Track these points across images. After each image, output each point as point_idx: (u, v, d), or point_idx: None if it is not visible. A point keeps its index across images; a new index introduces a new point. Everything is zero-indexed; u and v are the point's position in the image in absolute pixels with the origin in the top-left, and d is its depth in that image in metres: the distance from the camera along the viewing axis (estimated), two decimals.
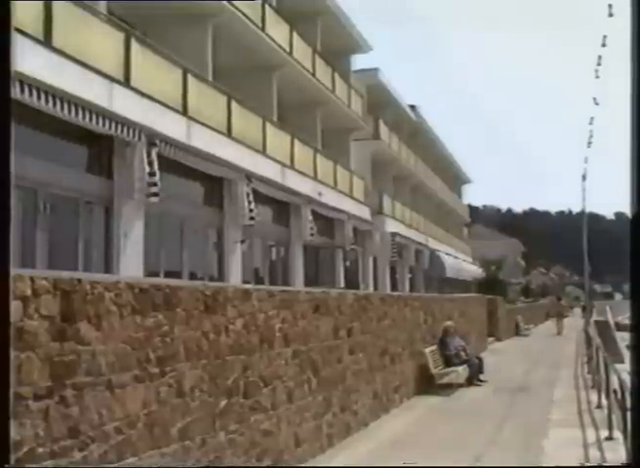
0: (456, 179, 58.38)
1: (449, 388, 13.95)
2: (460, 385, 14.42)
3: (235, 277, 17.52)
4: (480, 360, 16.03)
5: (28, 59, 10.39)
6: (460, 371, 14.66)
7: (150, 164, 13.39)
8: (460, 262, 48.96)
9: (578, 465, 7.83)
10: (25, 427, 3.96)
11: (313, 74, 23.96)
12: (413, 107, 40.89)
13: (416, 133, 41.68)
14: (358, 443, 9.23)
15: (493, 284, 43.34)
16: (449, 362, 14.98)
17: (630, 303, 3.17)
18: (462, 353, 15.52)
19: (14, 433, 3.86)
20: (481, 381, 15.20)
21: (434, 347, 14.88)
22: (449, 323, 16.08)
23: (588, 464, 7.90)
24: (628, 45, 2.87)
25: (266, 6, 20.26)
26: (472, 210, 73.07)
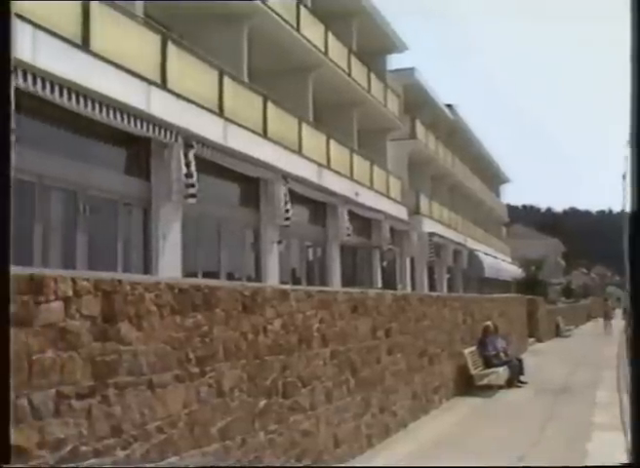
0: (494, 179, 57.80)
1: (489, 389, 13.78)
2: (501, 387, 14.24)
3: (272, 277, 17.56)
4: (520, 361, 15.81)
5: (67, 63, 10.54)
6: (501, 373, 14.48)
7: (187, 165, 13.49)
8: (500, 262, 48.45)
9: (578, 465, 7.69)
10: (69, 426, 3.99)
11: (349, 74, 23.91)
12: (450, 106, 40.58)
13: (453, 132, 41.36)
14: (397, 444, 9.15)
15: (533, 284, 42.78)
16: (489, 363, 14.80)
17: (630, 303, 3.13)
18: (503, 354, 15.33)
19: (57, 431, 3.90)
20: (522, 383, 14.99)
21: (474, 348, 14.72)
22: (488, 323, 15.90)
23: (589, 464, 7.74)
24: None
25: (301, 7, 20.29)
26: (511, 209, 72.29)
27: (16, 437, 3.63)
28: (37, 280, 3.89)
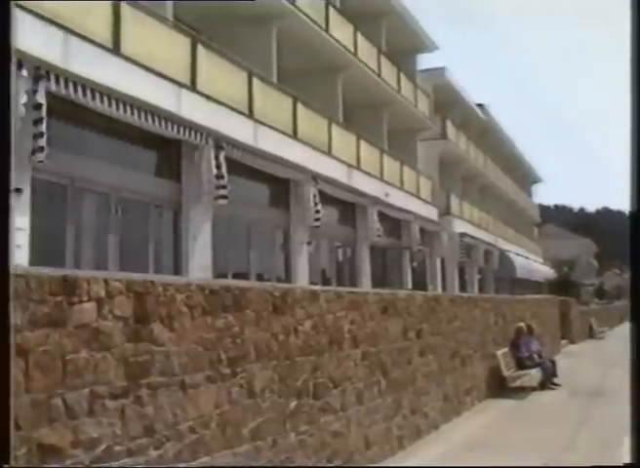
0: (526, 178, 57.25)
1: (522, 391, 13.64)
2: (534, 389, 14.08)
3: (302, 278, 17.57)
4: (553, 363, 15.63)
5: (98, 67, 10.66)
6: (534, 374, 14.33)
7: (218, 167, 13.56)
8: (531, 263, 47.96)
9: (579, 466, 7.58)
10: (102, 425, 4.03)
11: (379, 75, 23.86)
12: (481, 106, 40.27)
13: (484, 132, 41.04)
14: (429, 445, 9.09)
15: (565, 285, 42.29)
16: (522, 364, 14.65)
17: (630, 303, 3.11)
18: (536, 355, 15.17)
19: (91, 431, 3.93)
20: (555, 385, 14.81)
21: (506, 349, 14.58)
22: (521, 324, 15.74)
23: (589, 464, 7.62)
24: None
25: (330, 7, 20.29)
26: (543, 209, 71.51)
27: (50, 436, 3.68)
28: (70, 281, 3.93)
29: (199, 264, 13.42)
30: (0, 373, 2.42)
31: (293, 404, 6.30)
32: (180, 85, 12.81)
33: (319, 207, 17.65)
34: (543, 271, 49.04)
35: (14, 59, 8.64)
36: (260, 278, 16.15)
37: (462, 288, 33.15)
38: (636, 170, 2.89)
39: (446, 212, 30.47)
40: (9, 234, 2.39)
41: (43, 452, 3.62)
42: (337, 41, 20.33)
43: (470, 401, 12.10)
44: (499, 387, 13.50)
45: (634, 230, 2.96)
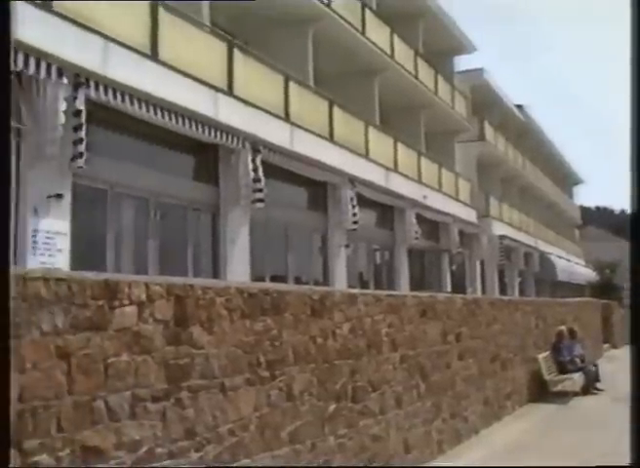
0: (566, 180, 56.41)
1: (564, 396, 13.42)
2: (576, 393, 13.84)
3: (340, 281, 17.55)
4: (596, 367, 15.35)
5: (137, 73, 10.79)
6: (576, 379, 14.09)
7: (255, 170, 13.62)
8: (573, 265, 47.23)
9: (581, 466, 7.43)
10: (144, 428, 4.06)
11: (416, 77, 23.74)
12: (520, 107, 39.81)
13: (523, 133, 40.57)
14: (469, 450, 9.00)
15: (607, 288, 41.56)
16: (563, 369, 14.42)
17: (630, 302, 3.07)
18: (578, 360, 14.92)
19: (133, 433, 3.97)
20: (597, 390, 14.54)
21: (547, 353, 14.37)
22: (563, 328, 15.51)
23: (590, 465, 7.45)
24: None
25: (366, 9, 20.25)
26: (584, 211, 70.38)
27: (93, 438, 3.72)
28: (111, 285, 3.98)
29: (237, 267, 13.48)
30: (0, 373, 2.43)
31: (331, 407, 6.29)
32: (217, 89, 12.90)
33: (356, 210, 17.61)
34: (585, 274, 48.25)
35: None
36: (297, 281, 16.16)
37: (502, 291, 32.77)
38: (636, 170, 2.88)
39: (485, 214, 30.16)
40: (9, 235, 2.42)
41: (86, 454, 3.66)
42: (373, 43, 20.28)
43: (511, 405, 11.95)
44: (540, 392, 13.32)
45: (634, 230, 2.95)
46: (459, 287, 25.91)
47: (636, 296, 3.00)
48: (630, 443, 2.93)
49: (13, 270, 3.68)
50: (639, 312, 3.00)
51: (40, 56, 9.10)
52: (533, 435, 10.23)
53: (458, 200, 26.72)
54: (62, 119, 9.45)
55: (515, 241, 33.55)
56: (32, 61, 9.02)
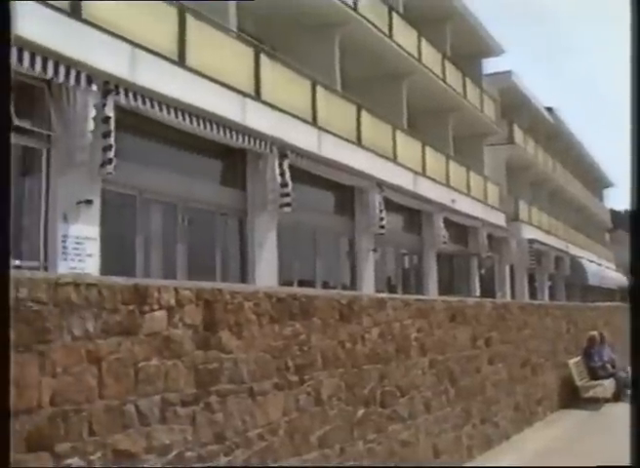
0: (597, 183, 55.75)
1: (595, 402, 13.22)
2: (607, 400, 13.62)
3: (368, 285, 17.51)
4: (627, 373, 15.10)
5: (165, 79, 10.87)
6: (607, 385, 13.87)
7: (282, 175, 13.65)
8: (604, 269, 46.64)
9: (579, 466, 7.29)
10: (174, 432, 4.07)
11: (444, 80, 23.65)
12: (550, 109, 39.42)
13: (553, 135, 40.17)
14: (500, 456, 8.89)
15: None
16: (594, 374, 14.21)
17: (630, 302, 3.04)
18: (609, 365, 14.69)
19: (163, 437, 3.98)
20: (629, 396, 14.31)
21: (578, 358, 14.18)
22: (594, 333, 15.29)
23: (589, 465, 7.31)
24: None
25: (393, 13, 20.23)
26: (615, 214, 69.39)
27: (124, 441, 3.74)
28: (141, 290, 4.00)
29: (265, 272, 13.51)
30: None
31: (360, 412, 6.26)
32: (245, 94, 12.95)
33: (384, 214, 17.57)
34: (616, 278, 47.59)
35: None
36: (325, 285, 16.15)
37: (532, 295, 32.45)
38: (636, 170, 2.86)
39: (514, 218, 29.91)
40: (9, 237, 2.42)
41: (117, 457, 3.68)
42: (400, 47, 20.24)
43: (542, 411, 11.81)
44: (571, 397, 13.14)
45: (635, 230, 2.93)
46: (488, 291, 25.70)
47: (636, 296, 2.98)
48: (630, 443, 2.91)
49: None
50: (639, 312, 2.97)
51: (70, 63, 9.22)
52: (565, 441, 10.09)
53: (486, 204, 26.53)
54: (92, 126, 9.56)
55: (545, 245, 33.21)
56: (62, 69, 9.13)
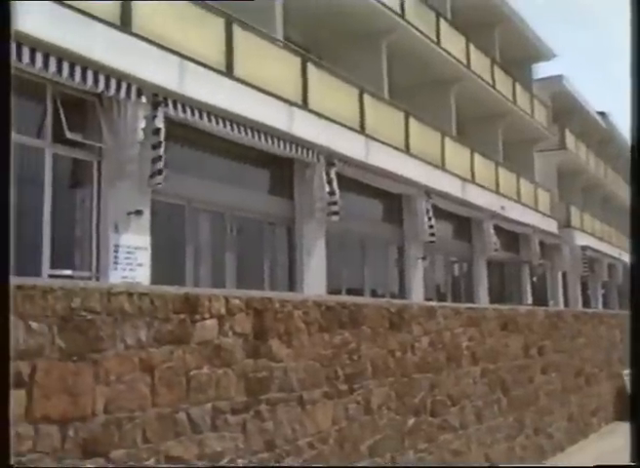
0: None
1: None
2: None
3: (417, 294, 17.37)
4: None
5: (213, 90, 10.98)
6: None
7: (330, 183, 13.65)
8: None
9: (580, 466, 7.01)
10: (225, 439, 4.09)
11: (493, 86, 23.39)
12: (602, 114, 38.64)
13: (605, 140, 39.37)
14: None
15: None
16: None
17: (630, 301, 2.97)
18: None
19: (215, 444, 4.01)
20: None
21: None
22: None
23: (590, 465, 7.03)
24: None
25: (441, 19, 20.11)
26: None
27: (176, 448, 3.77)
28: (192, 299, 4.04)
29: (313, 280, 13.52)
30: None
31: (410, 421, 6.21)
32: (292, 103, 13.00)
33: (432, 221, 17.43)
34: None
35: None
36: (374, 294, 16.08)
37: (586, 303, 31.80)
38: (636, 169, 2.81)
39: (566, 224, 29.37)
40: (9, 246, 2.44)
41: (170, 464, 3.71)
42: (448, 53, 20.10)
43: (597, 422, 11.54)
44: (627, 409, 12.80)
45: (635, 230, 2.87)
46: (540, 299, 25.27)
47: (636, 296, 2.92)
48: (630, 443, 2.86)
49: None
50: (638, 311, 2.91)
51: (120, 77, 9.39)
52: (621, 454, 9.81)
53: (537, 210, 26.12)
54: (142, 137, 9.71)
55: (598, 251, 32.53)
56: (113, 83, 9.30)
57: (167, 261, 10.77)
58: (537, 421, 9.00)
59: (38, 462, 3.07)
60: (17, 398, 3.00)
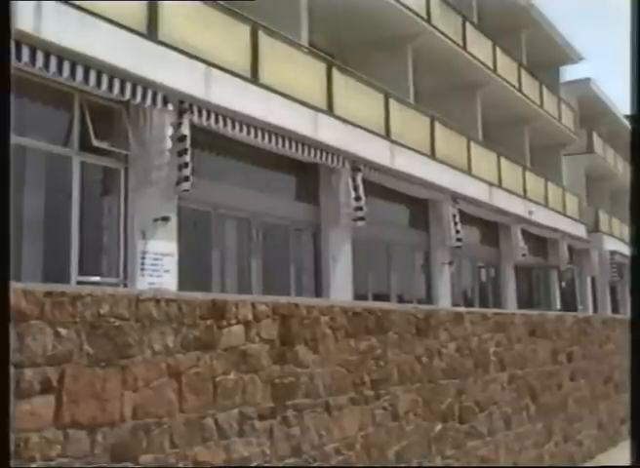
0: None
1: None
2: None
3: (444, 299, 17.29)
4: None
5: (238, 97, 11.03)
6: None
7: (355, 189, 13.64)
8: None
9: (580, 466, 6.87)
10: (252, 445, 4.10)
11: (519, 89, 23.24)
12: (631, 117, 38.15)
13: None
14: None
15: None
16: None
17: (630, 301, 2.93)
18: None
19: (242, 450, 4.01)
20: None
21: None
22: None
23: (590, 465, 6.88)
24: None
25: (467, 23, 20.03)
26: None
27: (204, 454, 3.79)
28: (219, 305, 4.05)
29: (340, 286, 13.51)
30: None
31: (438, 427, 6.16)
32: (317, 109, 13.01)
33: (459, 226, 17.33)
34: None
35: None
36: (400, 299, 16.03)
37: (615, 309, 31.40)
38: (636, 165, 2.80)
39: (595, 229, 29.07)
40: (9, 249, 2.44)
41: None
42: (474, 57, 20.01)
43: (627, 430, 11.36)
44: None
45: (635, 230, 2.85)
46: (569, 304, 25.00)
47: (636, 296, 2.89)
48: (630, 443, 2.83)
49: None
50: (638, 313, 2.87)
51: (146, 84, 9.47)
52: None
53: (565, 215, 25.88)
54: (168, 144, 9.78)
55: (627, 256, 32.11)
56: (139, 90, 9.39)
57: (193, 267, 10.83)
58: (566, 428, 8.89)
59: (66, 465, 3.10)
60: (45, 403, 3.04)
